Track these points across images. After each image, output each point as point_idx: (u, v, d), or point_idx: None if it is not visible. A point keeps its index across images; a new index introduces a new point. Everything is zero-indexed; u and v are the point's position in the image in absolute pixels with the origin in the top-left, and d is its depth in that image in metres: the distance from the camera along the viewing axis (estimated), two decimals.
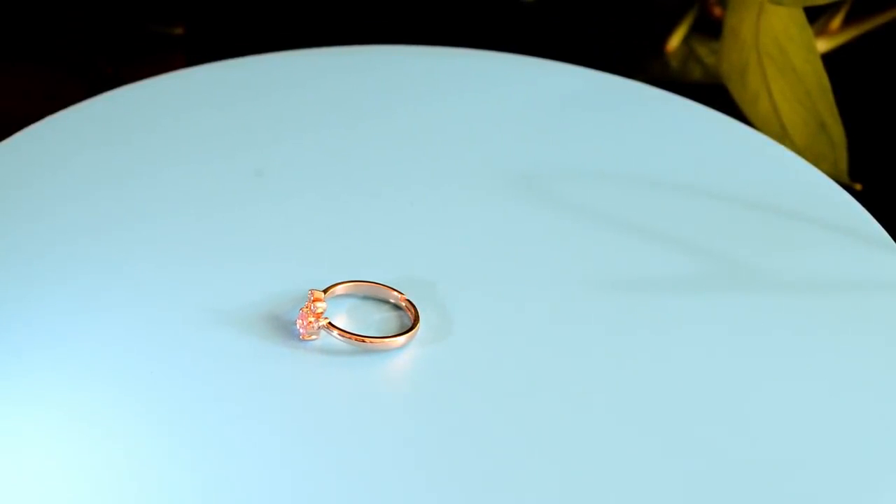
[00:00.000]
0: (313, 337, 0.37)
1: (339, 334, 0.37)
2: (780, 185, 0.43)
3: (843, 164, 0.49)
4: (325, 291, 0.37)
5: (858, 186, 0.49)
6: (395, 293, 0.38)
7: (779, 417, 0.36)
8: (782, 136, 0.49)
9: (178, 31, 0.59)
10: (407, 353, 0.37)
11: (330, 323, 0.37)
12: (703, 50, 0.57)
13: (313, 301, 0.37)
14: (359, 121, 0.45)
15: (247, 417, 0.35)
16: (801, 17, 0.48)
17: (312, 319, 0.37)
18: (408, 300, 0.38)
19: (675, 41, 0.57)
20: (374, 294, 0.38)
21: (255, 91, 0.46)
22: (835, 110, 0.48)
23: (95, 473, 0.34)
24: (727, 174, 0.43)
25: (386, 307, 0.38)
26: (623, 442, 0.35)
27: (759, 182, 0.43)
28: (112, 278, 0.39)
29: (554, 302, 0.38)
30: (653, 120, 0.46)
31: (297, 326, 0.37)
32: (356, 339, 0.37)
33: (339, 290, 0.38)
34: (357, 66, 0.47)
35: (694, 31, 0.58)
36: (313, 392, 0.36)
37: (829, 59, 0.52)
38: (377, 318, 0.38)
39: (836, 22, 0.55)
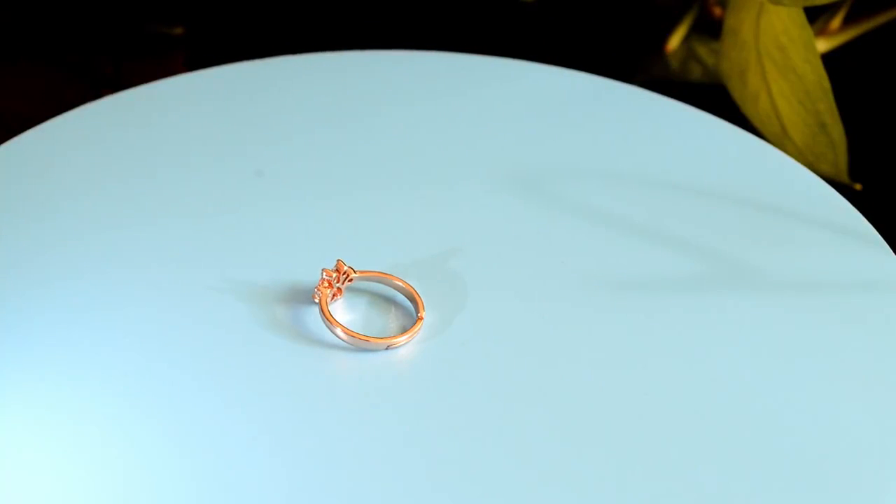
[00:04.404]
0: (316, 299, 0.37)
1: (343, 331, 0.37)
2: (773, 185, 0.43)
3: (843, 164, 0.49)
4: (351, 269, 0.38)
5: (858, 186, 0.49)
6: (410, 290, 0.38)
7: (777, 416, 0.36)
8: (782, 136, 0.49)
9: (178, 31, 0.59)
10: (407, 353, 0.37)
11: (327, 306, 0.37)
12: (703, 50, 0.57)
13: (334, 269, 0.38)
14: (359, 123, 0.45)
15: (246, 414, 0.35)
16: (801, 17, 0.48)
17: (328, 285, 0.37)
18: (418, 294, 0.38)
19: (675, 41, 0.57)
20: (390, 286, 0.38)
21: (255, 94, 0.46)
22: (835, 110, 0.48)
23: (95, 470, 0.34)
24: (721, 175, 0.43)
25: (386, 306, 0.38)
26: (622, 440, 0.35)
27: (752, 183, 0.43)
28: (114, 278, 0.39)
29: (553, 301, 0.39)
30: (648, 123, 0.46)
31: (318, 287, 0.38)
32: (360, 339, 0.37)
33: (362, 275, 0.38)
34: (358, 68, 0.47)
35: (694, 31, 0.58)
36: (315, 390, 0.36)
37: (829, 59, 0.52)
38: (378, 317, 0.38)
39: (836, 22, 0.55)
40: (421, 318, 0.37)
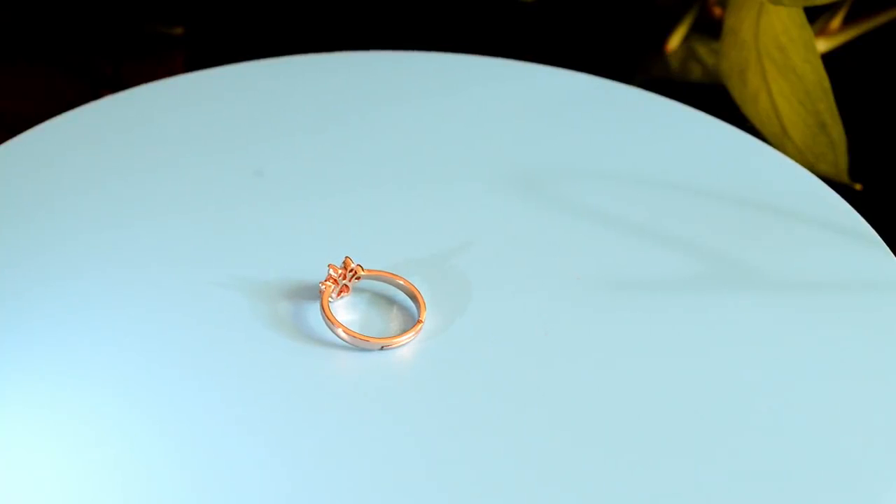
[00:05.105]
0: (320, 289, 0.38)
1: (340, 329, 0.37)
2: (772, 186, 0.43)
3: (843, 164, 0.49)
4: (360, 267, 0.38)
5: (858, 186, 0.49)
6: (414, 292, 0.38)
7: (776, 415, 0.36)
8: (782, 136, 0.49)
9: (178, 31, 0.59)
10: (407, 353, 0.37)
11: (329, 303, 0.38)
12: (703, 50, 0.57)
13: (341, 266, 0.38)
14: (359, 123, 0.45)
15: (246, 413, 0.35)
16: (801, 17, 0.48)
17: (334, 281, 0.38)
18: (421, 296, 0.38)
19: (675, 41, 0.57)
20: (395, 286, 0.38)
21: (255, 94, 0.46)
22: (835, 110, 0.48)
23: (95, 469, 0.34)
24: (719, 176, 0.44)
25: (388, 306, 0.38)
26: (622, 440, 0.35)
27: (751, 183, 0.43)
28: (115, 277, 0.39)
29: (553, 301, 0.39)
30: (647, 123, 0.46)
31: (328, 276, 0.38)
32: (358, 338, 0.37)
33: (370, 274, 0.38)
34: (358, 69, 0.47)
35: (694, 31, 0.58)
36: (314, 389, 0.36)
37: (829, 59, 0.51)
38: (378, 317, 0.38)
39: (836, 22, 0.55)
40: (420, 322, 0.37)
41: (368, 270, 0.38)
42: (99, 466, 0.34)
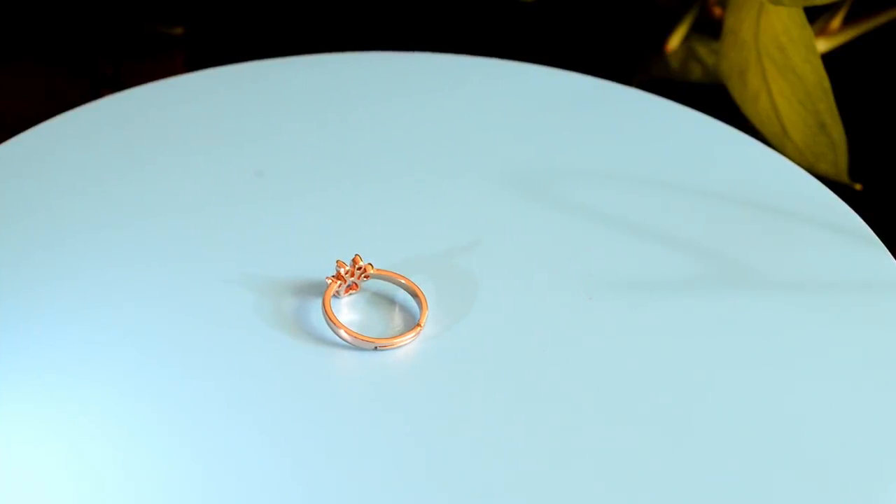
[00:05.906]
0: (326, 281, 0.38)
1: (344, 331, 0.37)
2: (770, 187, 0.43)
3: (843, 164, 0.49)
4: (370, 265, 0.38)
5: (858, 186, 0.49)
6: (419, 294, 0.38)
7: (775, 416, 0.36)
8: (782, 136, 0.49)
9: (178, 31, 0.59)
10: (408, 352, 0.37)
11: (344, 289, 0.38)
12: (703, 50, 0.57)
13: (349, 264, 0.38)
14: (360, 124, 0.45)
15: (247, 411, 0.35)
16: (801, 17, 0.48)
17: (341, 278, 0.38)
18: (424, 298, 0.38)
19: (675, 41, 0.57)
20: (399, 286, 0.38)
21: (255, 94, 0.46)
22: (835, 110, 0.48)
23: (95, 467, 0.34)
24: (717, 177, 0.44)
25: (390, 307, 0.38)
26: (623, 441, 0.35)
27: (750, 184, 0.43)
28: (114, 276, 0.39)
29: (553, 301, 0.39)
30: (646, 124, 0.46)
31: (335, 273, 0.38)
32: (356, 337, 0.37)
33: (378, 273, 0.38)
34: (358, 69, 0.47)
35: (694, 31, 0.58)
36: (313, 387, 0.36)
37: (829, 59, 0.51)
38: (379, 316, 0.38)
39: (836, 22, 0.55)
40: (419, 326, 0.37)
41: (379, 270, 0.38)
42: (99, 464, 0.34)
